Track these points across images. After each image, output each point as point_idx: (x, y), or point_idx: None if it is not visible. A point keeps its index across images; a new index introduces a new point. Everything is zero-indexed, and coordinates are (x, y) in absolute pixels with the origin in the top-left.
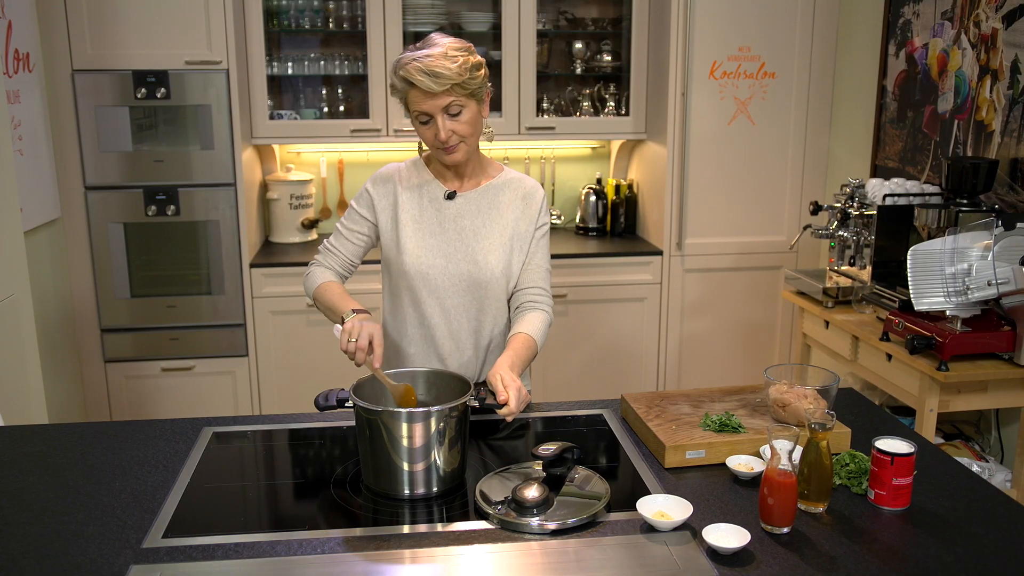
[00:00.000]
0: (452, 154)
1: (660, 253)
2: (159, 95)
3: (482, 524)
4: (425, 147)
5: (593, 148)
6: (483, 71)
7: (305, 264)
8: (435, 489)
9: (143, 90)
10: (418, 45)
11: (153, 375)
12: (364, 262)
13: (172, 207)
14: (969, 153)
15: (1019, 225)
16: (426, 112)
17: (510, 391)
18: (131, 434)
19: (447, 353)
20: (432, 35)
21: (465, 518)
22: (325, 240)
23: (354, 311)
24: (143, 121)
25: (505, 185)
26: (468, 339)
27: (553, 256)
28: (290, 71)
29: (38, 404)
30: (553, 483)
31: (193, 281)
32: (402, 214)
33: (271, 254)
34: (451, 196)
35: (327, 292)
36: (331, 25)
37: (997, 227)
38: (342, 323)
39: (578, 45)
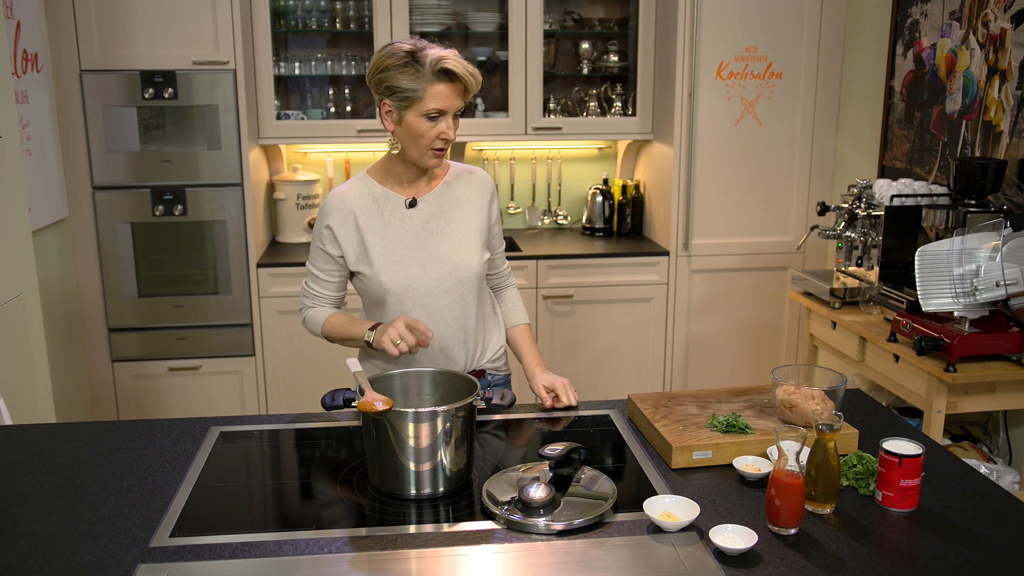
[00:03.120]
0: (440, 157)
1: (667, 254)
2: (166, 95)
3: (488, 524)
4: (393, 146)
5: (600, 148)
6: None
7: None
8: (441, 489)
9: (150, 90)
10: (423, 43)
11: (160, 374)
12: None
13: (179, 207)
14: (977, 154)
15: None
16: (444, 109)
17: (568, 392)
18: (138, 433)
19: (436, 352)
20: (421, 39)
21: (471, 518)
22: (304, 284)
23: (371, 329)
24: (150, 121)
25: (457, 179)
26: (456, 335)
27: (559, 256)
28: (297, 71)
29: (46, 403)
30: (560, 483)
31: (200, 281)
32: (368, 235)
33: (278, 254)
34: (412, 204)
35: (336, 326)
36: (338, 25)
37: (1005, 228)
38: (369, 346)
39: (585, 45)
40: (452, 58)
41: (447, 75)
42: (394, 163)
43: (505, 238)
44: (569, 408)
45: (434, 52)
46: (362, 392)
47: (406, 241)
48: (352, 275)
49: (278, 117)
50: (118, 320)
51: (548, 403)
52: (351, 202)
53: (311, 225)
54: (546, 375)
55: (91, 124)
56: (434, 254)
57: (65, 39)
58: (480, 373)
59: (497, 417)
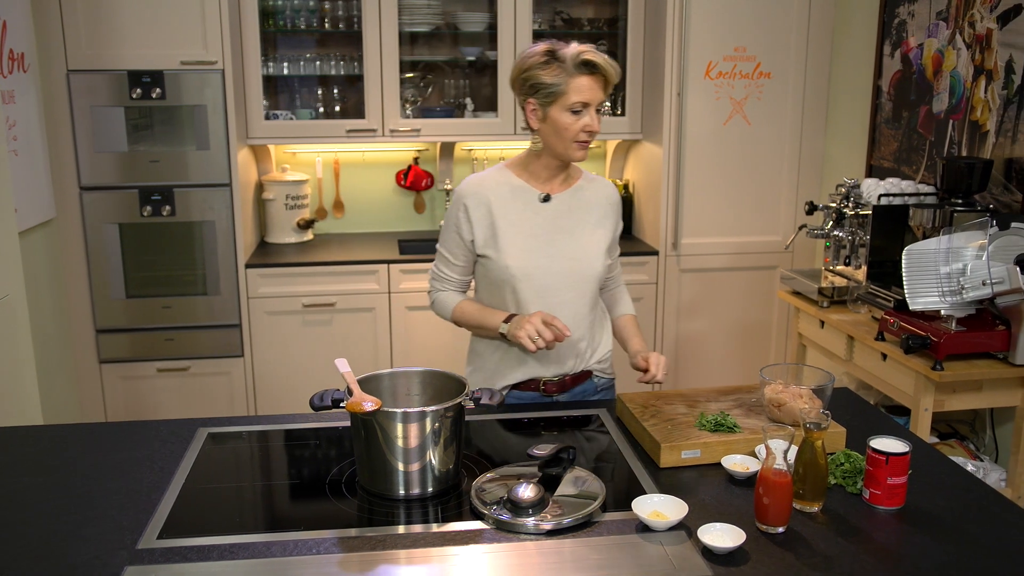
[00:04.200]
0: (585, 149)
1: (656, 253)
2: (154, 95)
3: (478, 524)
4: (535, 144)
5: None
6: None
7: (300, 264)
8: (430, 489)
9: (138, 90)
10: (560, 43)
11: (148, 376)
12: None
13: (167, 207)
14: (964, 153)
15: (1014, 225)
16: (587, 102)
17: (660, 368)
18: (126, 435)
19: (548, 348)
20: (557, 41)
21: (460, 518)
22: (434, 266)
23: (506, 321)
24: (138, 121)
25: (590, 185)
26: (572, 331)
27: None
28: (286, 71)
29: (33, 405)
30: (549, 483)
31: (188, 282)
32: (499, 220)
33: (266, 255)
34: (546, 199)
35: (468, 313)
36: (327, 25)
37: (992, 227)
38: (502, 338)
39: None
40: (591, 51)
41: (588, 67)
42: (532, 160)
43: None
44: (653, 383)
45: (573, 47)
46: (351, 392)
47: (536, 233)
48: (476, 260)
49: (267, 117)
50: (106, 321)
51: (643, 366)
52: (487, 188)
53: (300, 225)
54: (645, 350)
55: (78, 124)
56: (561, 249)
57: (52, 39)
58: (588, 374)
59: (486, 417)
